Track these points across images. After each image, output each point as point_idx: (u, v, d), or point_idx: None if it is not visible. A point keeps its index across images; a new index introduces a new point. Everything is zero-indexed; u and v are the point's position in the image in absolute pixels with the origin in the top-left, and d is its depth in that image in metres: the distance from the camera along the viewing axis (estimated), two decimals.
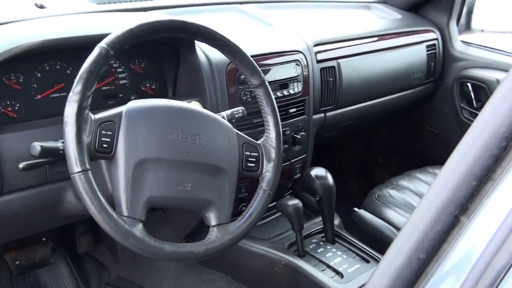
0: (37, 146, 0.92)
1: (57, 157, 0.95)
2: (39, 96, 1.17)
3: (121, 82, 1.31)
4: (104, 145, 0.91)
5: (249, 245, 1.52)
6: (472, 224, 0.42)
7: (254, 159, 1.09)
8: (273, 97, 1.12)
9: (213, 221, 1.02)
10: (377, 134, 2.47)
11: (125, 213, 0.91)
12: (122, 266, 1.89)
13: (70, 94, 0.88)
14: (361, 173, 2.57)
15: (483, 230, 0.41)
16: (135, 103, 0.97)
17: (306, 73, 1.57)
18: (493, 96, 0.44)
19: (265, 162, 1.10)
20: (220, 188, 1.03)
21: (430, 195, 0.45)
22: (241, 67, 1.11)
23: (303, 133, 1.59)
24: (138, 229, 0.91)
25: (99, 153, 0.91)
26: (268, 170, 1.09)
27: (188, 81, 1.37)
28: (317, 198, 1.46)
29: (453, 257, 0.43)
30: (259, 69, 1.12)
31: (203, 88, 1.33)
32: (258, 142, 1.11)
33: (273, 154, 1.10)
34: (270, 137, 1.11)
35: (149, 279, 1.81)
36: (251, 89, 1.40)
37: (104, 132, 0.91)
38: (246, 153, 1.08)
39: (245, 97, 1.41)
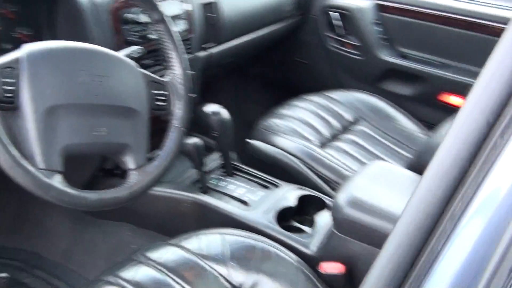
0: None
1: None
2: None
3: None
4: (7, 94, 0.82)
5: (151, 190, 1.50)
6: None
7: (163, 97, 1.07)
8: (174, 31, 1.09)
9: (131, 165, 1.00)
10: (251, 70, 2.53)
11: (41, 165, 0.84)
12: (5, 233, 1.75)
13: None
14: (240, 109, 2.63)
15: None
16: (33, 46, 0.88)
17: (190, 10, 1.54)
18: None
19: (174, 100, 1.08)
20: (134, 130, 1.00)
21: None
22: (139, 2, 1.06)
23: (192, 72, 1.58)
24: (58, 181, 0.86)
25: (2, 103, 0.82)
26: (178, 108, 1.08)
27: (69, 24, 1.26)
28: (215, 134, 1.49)
29: None
30: (157, 3, 1.07)
31: (86, 31, 1.24)
32: (165, 80, 1.08)
33: (181, 91, 1.09)
34: (176, 73, 1.09)
35: (41, 242, 1.70)
36: (137, 29, 1.35)
37: (6, 80, 0.82)
38: (154, 91, 1.05)
39: (131, 38, 1.34)
